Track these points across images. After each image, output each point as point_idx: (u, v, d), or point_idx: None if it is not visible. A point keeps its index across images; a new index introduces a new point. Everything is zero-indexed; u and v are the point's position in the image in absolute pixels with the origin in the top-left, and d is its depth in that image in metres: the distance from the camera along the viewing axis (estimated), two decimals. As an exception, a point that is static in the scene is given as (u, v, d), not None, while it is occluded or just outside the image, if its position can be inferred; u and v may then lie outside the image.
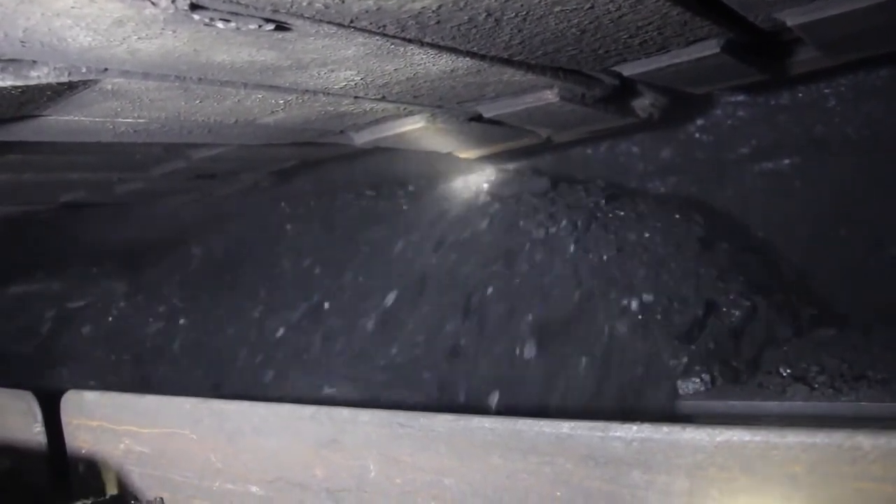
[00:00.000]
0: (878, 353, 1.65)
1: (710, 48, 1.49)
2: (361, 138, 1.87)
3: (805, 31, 1.47)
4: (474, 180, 2.16)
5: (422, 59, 1.35)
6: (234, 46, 1.21)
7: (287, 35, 1.18)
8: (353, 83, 1.47)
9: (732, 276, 1.84)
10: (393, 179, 2.36)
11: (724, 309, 1.77)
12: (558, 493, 0.94)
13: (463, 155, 2.08)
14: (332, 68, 1.37)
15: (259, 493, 1.28)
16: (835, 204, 2.02)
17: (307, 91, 1.49)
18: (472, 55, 1.36)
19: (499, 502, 1.01)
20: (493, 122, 1.80)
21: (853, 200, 2.05)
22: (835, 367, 1.63)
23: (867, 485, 0.79)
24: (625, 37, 1.37)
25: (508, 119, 1.77)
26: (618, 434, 0.89)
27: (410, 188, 2.28)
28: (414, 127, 1.78)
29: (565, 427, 0.92)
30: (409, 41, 1.26)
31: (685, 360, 1.67)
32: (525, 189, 2.07)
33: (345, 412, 1.15)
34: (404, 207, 2.26)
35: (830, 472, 0.80)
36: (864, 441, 0.78)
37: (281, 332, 2.20)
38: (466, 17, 1.17)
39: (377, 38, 1.22)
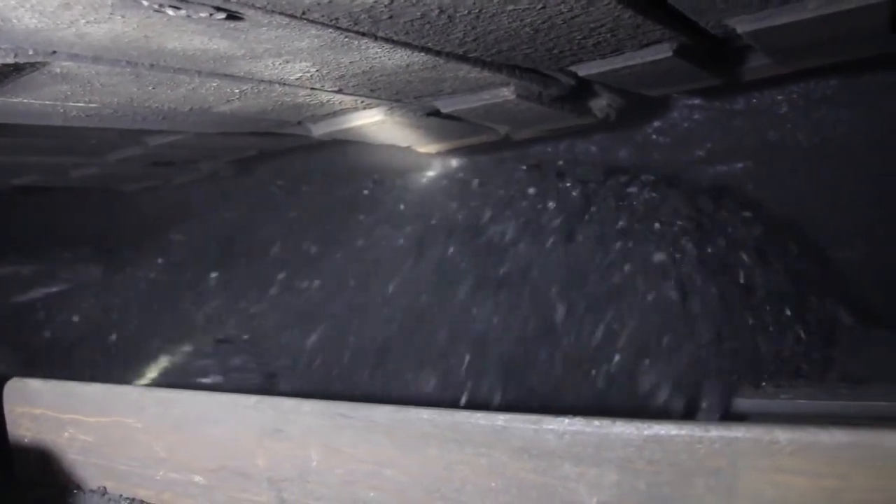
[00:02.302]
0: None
1: (663, 52, 1.51)
2: (319, 130, 1.87)
3: (754, 39, 1.50)
4: (436, 173, 2.17)
5: (377, 52, 1.36)
6: (185, 34, 1.20)
7: (239, 24, 1.18)
8: (308, 74, 1.47)
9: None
10: (355, 171, 2.36)
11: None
12: (493, 485, 0.96)
13: (422, 149, 2.09)
14: (287, 59, 1.37)
15: (202, 482, 1.28)
16: (783, 209, 2.07)
17: (262, 81, 1.48)
18: (427, 51, 1.37)
19: (437, 493, 1.02)
20: (451, 117, 1.81)
21: (801, 207, 2.10)
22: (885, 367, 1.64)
23: (784, 477, 0.82)
24: (578, 37, 1.39)
25: (466, 115, 1.78)
26: (550, 427, 0.91)
27: (375, 180, 2.28)
28: (372, 120, 1.78)
29: (500, 419, 0.94)
30: (363, 35, 1.26)
31: (739, 358, 1.67)
32: (490, 180, 2.07)
33: (288, 402, 1.16)
34: (369, 198, 2.26)
35: (750, 465, 0.83)
36: (781, 435, 0.81)
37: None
38: (419, 13, 1.17)
39: (330, 30, 1.22)
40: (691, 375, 1.62)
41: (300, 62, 1.39)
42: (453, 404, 1.55)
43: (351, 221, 2.17)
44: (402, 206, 2.09)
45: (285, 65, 1.40)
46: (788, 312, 1.83)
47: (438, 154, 2.14)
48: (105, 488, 1.40)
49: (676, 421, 0.86)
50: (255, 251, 2.16)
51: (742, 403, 1.54)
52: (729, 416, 1.51)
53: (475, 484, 0.98)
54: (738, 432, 0.83)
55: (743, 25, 1.43)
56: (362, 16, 1.16)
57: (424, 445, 1.02)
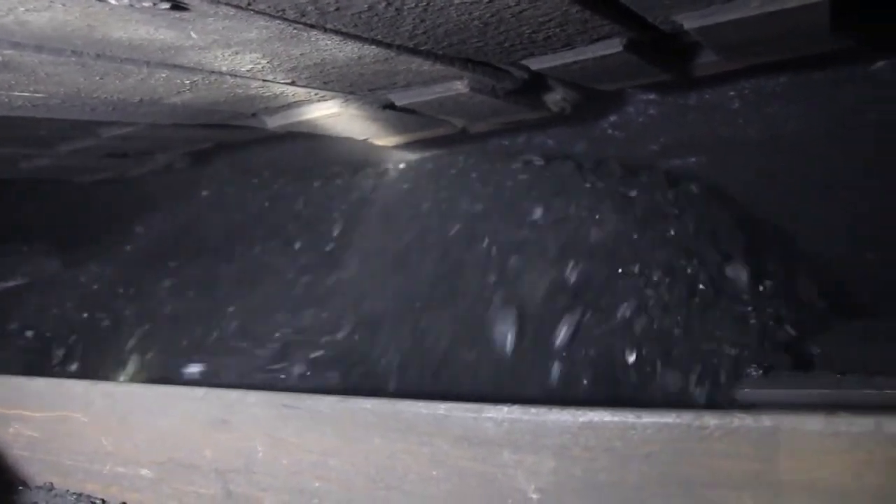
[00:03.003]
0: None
1: (613, 46, 1.53)
2: (274, 122, 1.86)
3: (702, 35, 1.53)
4: (393, 166, 2.17)
5: (327, 45, 1.36)
6: (130, 23, 1.19)
7: (185, 14, 1.17)
8: (259, 66, 1.46)
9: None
10: (313, 164, 2.35)
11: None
12: (435, 473, 0.97)
13: (380, 142, 2.09)
14: (237, 50, 1.36)
15: (149, 475, 1.27)
16: (735, 204, 2.10)
17: (213, 72, 1.47)
18: (378, 43, 1.38)
19: (381, 482, 1.03)
20: (406, 110, 1.82)
21: (752, 201, 2.14)
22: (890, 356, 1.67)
23: (714, 461, 0.84)
24: (528, 31, 1.40)
25: (421, 108, 1.79)
26: (490, 415, 0.92)
27: (331, 172, 2.28)
28: (327, 112, 1.78)
29: (441, 408, 0.95)
30: (312, 26, 1.26)
31: (741, 348, 1.68)
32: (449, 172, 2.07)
33: (234, 394, 1.16)
34: (325, 191, 2.26)
35: (682, 449, 0.85)
36: (710, 420, 0.83)
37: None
38: (366, 5, 1.17)
39: (278, 21, 1.22)
40: (685, 364, 1.62)
41: (250, 53, 1.38)
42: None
43: (308, 214, 2.17)
44: (358, 199, 2.08)
45: (235, 56, 1.39)
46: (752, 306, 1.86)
47: (396, 147, 2.14)
48: (52, 484, 1.38)
49: (609, 408, 0.87)
50: (208, 247, 2.14)
51: (745, 394, 1.57)
52: (726, 406, 1.53)
53: (418, 472, 0.99)
54: (668, 418, 0.85)
55: (690, 21, 1.45)
56: (309, 7, 1.16)
57: (368, 435, 1.02)
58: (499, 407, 0.92)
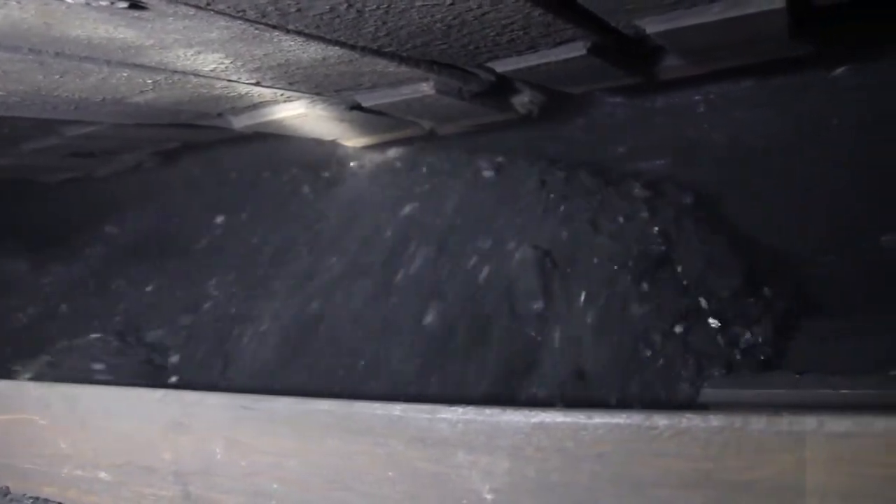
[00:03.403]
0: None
1: (577, 50, 1.54)
2: (240, 122, 1.85)
3: (664, 39, 1.55)
4: (361, 166, 2.16)
5: (290, 45, 1.35)
6: (88, 22, 1.18)
7: (144, 14, 1.16)
8: (223, 66, 1.45)
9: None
10: (280, 165, 2.34)
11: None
12: (390, 474, 0.97)
13: (348, 143, 2.09)
14: (199, 50, 1.35)
15: (108, 478, 1.26)
16: (697, 207, 2.13)
17: (176, 71, 1.46)
18: (342, 45, 1.38)
19: (337, 483, 1.03)
20: (374, 111, 1.82)
21: (717, 203, 2.17)
22: (847, 355, 1.69)
23: (663, 461, 0.85)
24: (492, 34, 1.41)
25: (388, 109, 1.79)
26: (444, 416, 0.93)
27: (299, 173, 2.27)
28: (293, 113, 1.77)
29: (397, 409, 0.95)
30: (274, 27, 1.26)
31: (702, 349, 1.70)
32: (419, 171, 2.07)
33: (192, 395, 1.15)
34: (293, 192, 2.25)
35: (632, 450, 0.86)
36: (660, 421, 0.84)
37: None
38: (327, 7, 1.18)
39: (239, 22, 1.22)
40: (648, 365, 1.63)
41: (212, 53, 1.38)
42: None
43: (277, 215, 2.16)
44: (326, 200, 2.08)
45: (197, 56, 1.38)
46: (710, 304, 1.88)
47: (365, 148, 2.14)
48: (8, 488, 1.36)
49: (562, 409, 0.88)
50: (175, 248, 2.12)
51: (707, 394, 1.58)
52: (693, 406, 1.54)
53: (374, 474, 0.99)
54: (619, 419, 0.86)
55: (652, 26, 1.47)
56: (269, 8, 1.16)
57: (325, 436, 1.02)
58: (453, 408, 0.92)
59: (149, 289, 2.02)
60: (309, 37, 1.32)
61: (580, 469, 0.89)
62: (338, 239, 1.96)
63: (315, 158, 2.24)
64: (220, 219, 2.21)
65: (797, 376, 1.66)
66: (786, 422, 0.82)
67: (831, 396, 1.56)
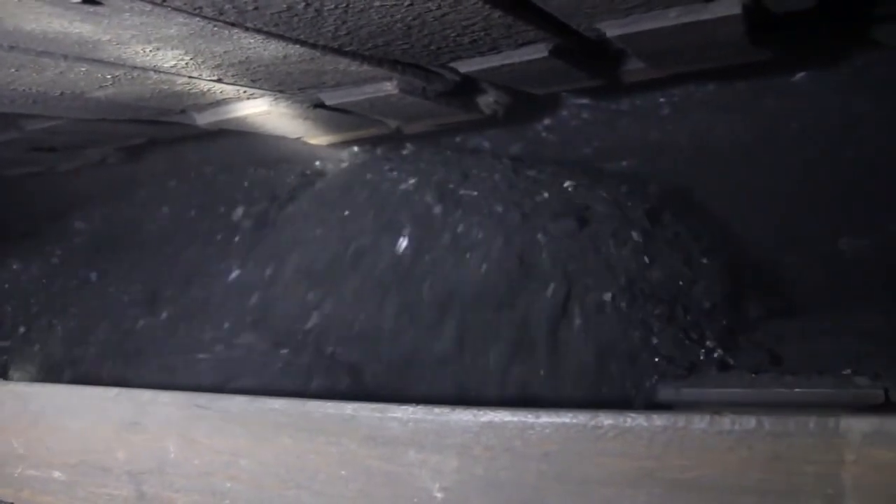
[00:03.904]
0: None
1: (539, 52, 1.56)
2: (204, 119, 1.84)
3: (624, 43, 1.57)
4: (327, 165, 2.16)
5: (250, 43, 1.35)
6: (42, 16, 1.16)
7: (99, 9, 1.15)
8: (183, 62, 1.44)
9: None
10: (246, 162, 2.33)
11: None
12: (343, 473, 0.98)
13: (313, 141, 2.08)
14: (158, 46, 1.34)
15: (62, 477, 1.25)
16: (661, 208, 2.16)
17: (136, 67, 1.45)
18: (302, 43, 1.37)
19: (291, 482, 1.03)
20: (338, 110, 1.81)
21: (680, 203, 2.20)
22: (804, 355, 1.72)
23: (608, 460, 0.87)
24: (453, 35, 1.41)
25: (352, 108, 1.79)
26: (395, 415, 0.93)
27: (264, 170, 2.26)
28: (257, 110, 1.77)
29: (349, 408, 0.96)
30: (233, 25, 1.25)
31: (661, 347, 1.70)
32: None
33: (146, 394, 1.15)
34: (258, 190, 2.24)
35: (578, 449, 0.88)
36: (605, 420, 0.86)
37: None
38: (285, 5, 1.17)
39: (197, 19, 1.21)
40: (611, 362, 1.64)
41: (172, 50, 1.37)
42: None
43: (241, 214, 2.15)
44: (291, 197, 2.07)
45: (157, 52, 1.37)
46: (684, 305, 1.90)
47: (331, 146, 2.13)
48: (-41, 488, 1.34)
49: (510, 408, 0.89)
50: (136, 247, 2.10)
51: (664, 393, 1.60)
52: (651, 406, 1.55)
53: (327, 472, 1.00)
54: (565, 418, 0.87)
55: (612, 29, 1.49)
56: (226, 6, 1.16)
57: (278, 435, 1.03)
58: (404, 407, 0.93)
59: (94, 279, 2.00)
60: (268, 35, 1.31)
61: (527, 468, 0.90)
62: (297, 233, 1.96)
63: (280, 156, 2.23)
64: (165, 213, 2.19)
65: (753, 376, 1.69)
66: (728, 421, 0.84)
67: (786, 395, 1.59)
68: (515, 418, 0.88)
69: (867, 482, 0.80)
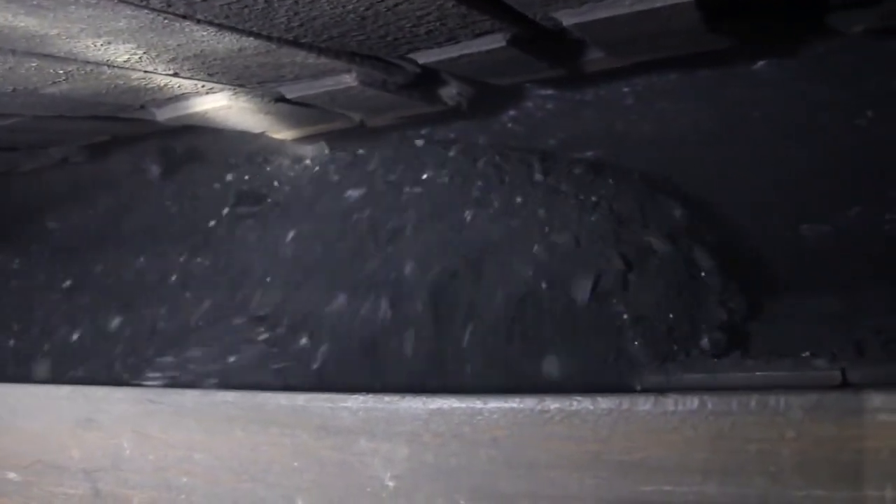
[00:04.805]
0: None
1: (497, 41, 1.55)
2: (164, 115, 1.82)
3: (581, 32, 1.57)
4: (291, 159, 2.15)
5: (203, 36, 1.34)
6: (-16, 9, 1.15)
7: (44, 2, 1.14)
8: (136, 57, 1.43)
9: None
10: (212, 158, 2.32)
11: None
12: (296, 464, 0.98)
13: (277, 136, 2.07)
14: (108, 40, 1.33)
15: (16, 479, 1.24)
16: (627, 196, 2.17)
17: (88, 62, 1.43)
18: (256, 35, 1.36)
19: (245, 475, 1.03)
20: (299, 103, 1.81)
21: (643, 191, 2.21)
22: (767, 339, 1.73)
23: (555, 444, 0.87)
24: (408, 25, 1.41)
25: (313, 101, 1.78)
26: (346, 405, 0.93)
27: (228, 167, 2.24)
28: (216, 105, 1.75)
29: (301, 399, 0.96)
30: (183, 17, 1.24)
31: (642, 333, 1.70)
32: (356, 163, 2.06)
33: (100, 391, 1.14)
34: (225, 185, 2.22)
35: (526, 434, 0.88)
36: (551, 404, 0.86)
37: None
38: (234, -4, 1.17)
39: (146, 11, 1.20)
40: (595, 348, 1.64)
41: (123, 44, 1.35)
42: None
43: (207, 211, 2.13)
44: (259, 192, 2.06)
45: (108, 46, 1.35)
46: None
47: (295, 141, 2.12)
48: (-86, 490, 1.32)
49: (458, 394, 0.90)
50: (102, 248, 2.08)
51: (650, 380, 1.60)
52: (638, 391, 1.55)
53: (281, 464, 1.00)
54: (513, 403, 0.87)
55: (567, 18, 1.49)
56: (173, -3, 1.15)
57: (231, 428, 1.02)
58: (355, 396, 0.93)
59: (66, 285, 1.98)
60: (220, 27, 1.30)
61: (477, 454, 0.90)
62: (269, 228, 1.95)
63: (245, 151, 2.22)
64: (145, 219, 2.17)
65: (714, 360, 1.70)
66: (671, 402, 0.85)
67: (746, 379, 1.61)
68: (463, 404, 0.88)
69: (808, 457, 0.81)
